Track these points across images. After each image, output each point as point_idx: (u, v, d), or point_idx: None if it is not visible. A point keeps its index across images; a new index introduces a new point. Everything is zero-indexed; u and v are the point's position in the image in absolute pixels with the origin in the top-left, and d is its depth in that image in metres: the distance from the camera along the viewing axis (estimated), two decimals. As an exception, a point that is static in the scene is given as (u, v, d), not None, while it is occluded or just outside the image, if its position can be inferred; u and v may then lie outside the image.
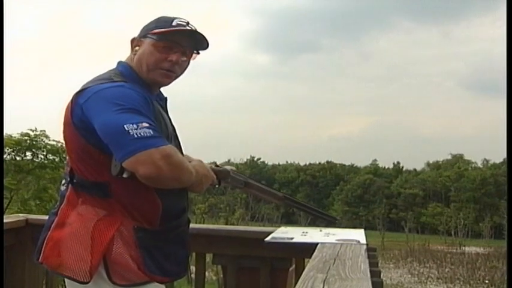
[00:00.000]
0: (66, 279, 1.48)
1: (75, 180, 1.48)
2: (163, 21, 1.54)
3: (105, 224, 1.43)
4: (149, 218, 1.47)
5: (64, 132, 1.49)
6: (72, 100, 1.44)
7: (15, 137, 11.69)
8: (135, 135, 1.29)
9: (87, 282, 1.40)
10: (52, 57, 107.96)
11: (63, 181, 1.56)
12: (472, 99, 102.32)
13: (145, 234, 1.46)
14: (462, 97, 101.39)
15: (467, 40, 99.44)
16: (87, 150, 1.43)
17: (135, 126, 1.30)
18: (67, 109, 1.45)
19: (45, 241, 1.49)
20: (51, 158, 12.18)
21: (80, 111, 1.40)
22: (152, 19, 1.59)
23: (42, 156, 12.28)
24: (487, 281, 20.51)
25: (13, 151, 11.70)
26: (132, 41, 1.57)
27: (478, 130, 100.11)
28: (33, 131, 12.24)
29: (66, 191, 1.51)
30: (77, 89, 1.45)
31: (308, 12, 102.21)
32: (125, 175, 1.37)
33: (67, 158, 1.55)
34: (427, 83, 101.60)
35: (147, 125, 1.32)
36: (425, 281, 21.21)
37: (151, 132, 1.32)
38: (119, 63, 1.59)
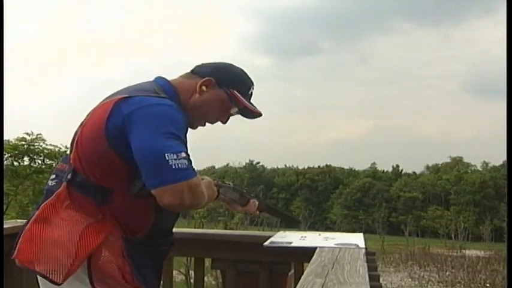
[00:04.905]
0: (39, 278, 1.44)
1: (78, 179, 1.42)
2: (245, 85, 1.60)
3: (93, 230, 1.40)
4: (138, 230, 1.47)
5: (87, 131, 1.43)
6: (113, 104, 1.39)
7: (12, 142, 11.65)
8: (173, 166, 1.30)
9: (59, 284, 1.35)
10: (51, 59, 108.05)
11: (53, 176, 1.52)
12: (471, 102, 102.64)
13: (132, 244, 1.45)
14: (461, 100, 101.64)
15: (467, 42, 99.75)
16: (106, 155, 1.39)
17: (174, 156, 1.31)
18: (103, 111, 1.40)
19: (22, 235, 1.43)
20: (48, 163, 12.14)
21: (121, 120, 1.36)
22: (237, 70, 1.62)
23: (40, 161, 12.25)
24: (488, 285, 20.47)
25: (10, 156, 11.67)
26: (205, 80, 1.54)
27: (478, 133, 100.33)
28: (29, 135, 12.18)
29: (56, 187, 1.46)
30: (122, 95, 1.41)
31: (307, 15, 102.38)
32: (141, 195, 1.38)
33: (69, 154, 1.48)
34: (426, 85, 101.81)
35: (184, 155, 1.33)
36: (425, 284, 21.18)
37: (186, 163, 1.33)
38: (162, 79, 1.55)
